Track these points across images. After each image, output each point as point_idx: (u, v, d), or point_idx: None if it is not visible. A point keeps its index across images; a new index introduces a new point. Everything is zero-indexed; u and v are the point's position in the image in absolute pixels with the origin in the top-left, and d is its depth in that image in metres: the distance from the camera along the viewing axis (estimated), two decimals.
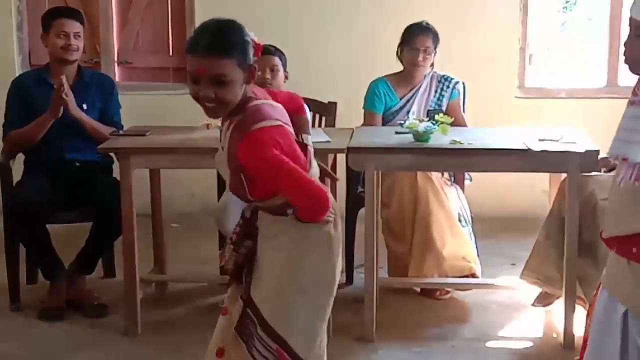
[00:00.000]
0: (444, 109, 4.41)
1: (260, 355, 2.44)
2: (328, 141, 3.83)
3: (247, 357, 2.46)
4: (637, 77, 2.20)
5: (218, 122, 3.81)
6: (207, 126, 3.89)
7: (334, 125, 4.50)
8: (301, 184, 2.33)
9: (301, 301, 2.46)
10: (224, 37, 2.34)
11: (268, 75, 4.24)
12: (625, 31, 5.60)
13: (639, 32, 2.15)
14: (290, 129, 2.42)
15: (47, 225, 4.05)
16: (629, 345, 2.23)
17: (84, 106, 4.15)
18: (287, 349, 2.44)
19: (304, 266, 2.45)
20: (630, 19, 2.18)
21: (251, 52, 2.41)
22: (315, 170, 2.54)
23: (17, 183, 4.20)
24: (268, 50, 4.28)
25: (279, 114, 2.40)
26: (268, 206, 2.44)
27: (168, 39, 5.86)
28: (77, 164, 4.20)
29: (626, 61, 2.22)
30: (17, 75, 4.88)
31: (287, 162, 2.28)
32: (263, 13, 5.52)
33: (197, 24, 5.78)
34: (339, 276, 2.56)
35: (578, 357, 2.46)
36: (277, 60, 4.25)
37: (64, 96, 3.97)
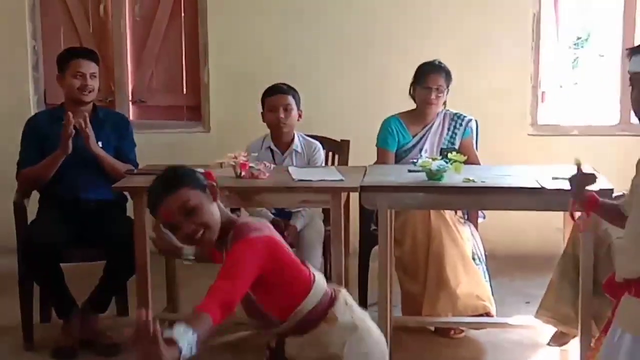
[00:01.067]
0: (456, 147, 4.41)
1: None
2: (341, 180, 3.83)
3: None
4: None
5: (231, 160, 3.86)
6: (221, 165, 3.90)
7: (347, 163, 4.51)
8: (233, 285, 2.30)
9: None
10: (173, 176, 2.46)
11: (282, 115, 4.25)
12: None
13: None
14: (280, 239, 2.47)
15: (61, 264, 4.05)
16: None
17: (100, 144, 4.17)
18: None
19: None
20: (632, 74, 2.27)
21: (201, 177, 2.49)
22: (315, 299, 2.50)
23: (32, 222, 4.21)
24: (281, 89, 4.30)
25: (267, 228, 2.46)
26: (295, 321, 2.44)
27: (182, 78, 5.90)
28: (92, 203, 4.21)
29: (637, 114, 2.31)
30: (32, 114, 4.93)
31: (249, 264, 2.30)
32: (276, 52, 5.58)
33: (211, 63, 5.90)
34: None
35: None
36: (290, 99, 4.27)
37: (87, 131, 4.02)
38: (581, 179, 2.67)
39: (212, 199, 2.45)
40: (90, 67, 4.19)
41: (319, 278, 2.51)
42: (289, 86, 4.32)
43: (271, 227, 2.49)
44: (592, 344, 2.46)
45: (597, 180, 2.70)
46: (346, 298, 2.54)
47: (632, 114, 6.01)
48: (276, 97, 4.29)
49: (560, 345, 4.04)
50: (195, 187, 2.42)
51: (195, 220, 2.38)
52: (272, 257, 2.36)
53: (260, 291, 2.38)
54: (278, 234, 2.50)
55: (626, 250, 2.34)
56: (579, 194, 2.66)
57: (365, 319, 2.55)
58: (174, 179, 2.44)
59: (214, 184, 2.50)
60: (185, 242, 2.44)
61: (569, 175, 3.74)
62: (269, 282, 2.37)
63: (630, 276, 2.28)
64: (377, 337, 2.55)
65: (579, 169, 2.70)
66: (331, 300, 2.49)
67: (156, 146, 5.17)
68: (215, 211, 2.43)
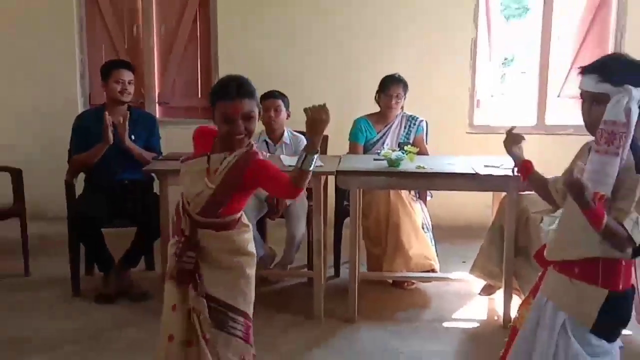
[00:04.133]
0: (411, 141, 4.42)
1: (237, 330, 2.45)
2: (321, 165, 3.82)
3: (227, 337, 2.45)
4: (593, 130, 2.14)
5: None
6: None
7: (326, 153, 4.50)
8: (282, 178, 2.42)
9: (246, 284, 2.49)
10: (249, 84, 2.45)
11: (273, 115, 4.25)
12: (551, 81, 5.60)
13: (593, 100, 2.13)
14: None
15: (102, 229, 4.04)
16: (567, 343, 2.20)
17: (132, 137, 4.14)
18: (247, 317, 2.48)
19: (242, 260, 2.48)
20: (583, 91, 2.17)
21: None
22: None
23: (79, 197, 4.19)
24: (273, 95, 4.29)
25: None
26: (222, 222, 2.45)
27: (197, 85, 5.86)
28: (126, 182, 4.19)
29: (586, 125, 2.20)
30: (79, 112, 4.88)
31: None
32: (272, 66, 5.55)
33: (221, 73, 5.83)
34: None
35: (507, 345, 2.42)
36: (280, 102, 4.27)
37: (121, 129, 4.00)
38: (512, 136, 2.65)
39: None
40: (128, 75, 4.16)
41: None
42: (280, 92, 4.31)
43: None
44: (521, 301, 2.41)
45: (524, 139, 2.66)
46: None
47: (547, 117, 6.05)
48: (269, 100, 4.28)
49: (489, 294, 4.08)
50: (258, 106, 2.47)
51: (248, 126, 2.41)
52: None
53: (239, 196, 2.46)
54: None
55: (557, 239, 2.28)
56: (510, 148, 2.63)
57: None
58: (251, 92, 2.45)
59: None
60: (226, 135, 2.42)
61: (497, 164, 3.78)
62: (248, 193, 2.50)
63: (557, 259, 2.25)
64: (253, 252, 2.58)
65: (511, 129, 2.70)
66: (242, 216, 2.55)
67: (177, 138, 5.09)
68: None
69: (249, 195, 2.53)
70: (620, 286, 2.15)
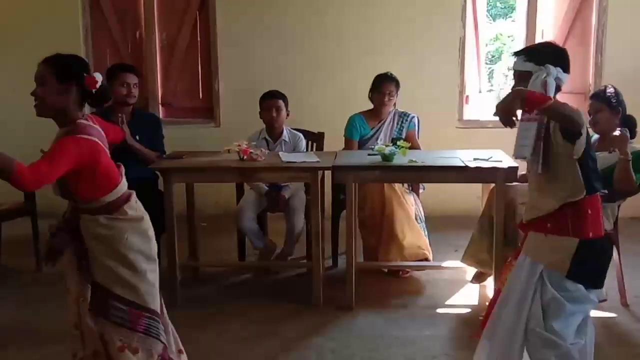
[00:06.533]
0: (403, 137, 4.42)
1: (117, 317, 2.43)
2: (318, 161, 3.84)
3: (105, 323, 2.43)
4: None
5: (236, 147, 3.85)
6: (228, 150, 3.89)
7: (322, 149, 4.51)
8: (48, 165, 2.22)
9: (131, 274, 2.43)
10: (280, 94, 2.58)
11: (274, 114, 4.25)
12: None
13: (519, 78, 2.39)
14: (104, 147, 2.40)
15: None
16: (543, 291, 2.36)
17: (137, 137, 4.14)
18: (134, 305, 2.44)
19: (121, 249, 2.43)
20: (514, 71, 2.42)
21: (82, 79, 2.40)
22: (123, 186, 2.49)
23: None
24: (274, 95, 4.29)
25: (97, 134, 2.39)
26: (89, 208, 2.41)
27: (199, 87, 5.85)
28: (131, 180, 4.17)
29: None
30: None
31: (62, 156, 2.22)
32: (270, 68, 5.56)
33: (220, 76, 5.86)
34: (152, 248, 2.52)
35: (490, 303, 2.57)
36: (280, 102, 4.26)
37: (124, 128, 3.97)
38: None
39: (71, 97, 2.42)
40: (133, 79, 4.16)
41: (123, 183, 2.48)
42: (280, 92, 4.31)
43: (102, 134, 2.42)
44: (507, 263, 2.58)
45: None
46: (136, 198, 2.52)
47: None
48: (270, 100, 4.28)
49: (480, 282, 4.10)
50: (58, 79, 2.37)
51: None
52: (90, 158, 2.31)
53: (74, 178, 2.33)
54: (105, 140, 2.42)
55: (529, 203, 2.47)
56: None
57: (145, 215, 2.53)
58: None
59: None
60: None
61: (486, 157, 3.79)
62: (82, 173, 2.32)
63: (531, 217, 2.43)
64: (149, 227, 2.53)
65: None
66: (126, 199, 2.47)
67: (179, 137, 5.13)
68: (54, 99, 2.39)
69: (85, 176, 2.33)
70: (590, 234, 2.32)
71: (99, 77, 2.44)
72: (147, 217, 2.55)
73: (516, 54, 2.44)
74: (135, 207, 2.51)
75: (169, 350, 2.58)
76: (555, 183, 2.34)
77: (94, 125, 2.42)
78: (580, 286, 2.34)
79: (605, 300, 2.98)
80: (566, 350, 2.33)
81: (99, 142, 2.36)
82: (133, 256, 2.44)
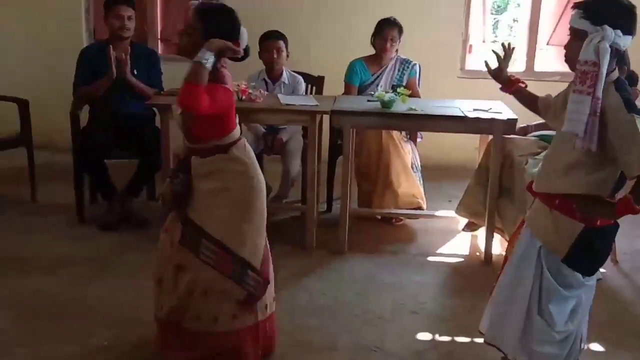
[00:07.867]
0: (404, 84, 4.36)
1: (206, 256, 2.43)
2: (317, 105, 3.79)
3: (194, 258, 2.43)
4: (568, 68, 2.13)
5: (235, 87, 3.78)
6: None
7: (321, 93, 4.45)
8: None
9: (231, 215, 2.44)
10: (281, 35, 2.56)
11: (275, 55, 4.19)
12: (541, 30, 5.51)
13: (574, 36, 2.10)
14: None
15: (105, 160, 4.02)
16: (541, 271, 2.23)
17: (135, 72, 4.08)
18: (225, 249, 2.43)
19: (230, 191, 2.43)
20: (570, 26, 2.13)
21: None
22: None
23: (84, 128, 4.14)
24: (275, 35, 4.21)
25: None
26: (201, 148, 2.43)
27: None
28: (128, 115, 4.14)
29: (565, 60, 2.15)
30: (84, 46, 4.79)
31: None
32: (269, 8, 5.43)
33: None
34: (262, 194, 2.54)
35: (500, 272, 2.45)
36: (281, 43, 4.19)
37: (123, 64, 3.93)
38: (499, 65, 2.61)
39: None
40: (128, 11, 4.06)
41: (238, 129, 2.51)
42: (280, 33, 4.23)
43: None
44: (502, 239, 2.45)
45: (514, 50, 2.69)
46: (247, 144, 2.52)
47: (536, 64, 5.96)
48: (271, 41, 4.20)
49: (471, 230, 4.12)
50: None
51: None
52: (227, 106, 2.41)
53: (203, 118, 2.37)
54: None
55: (543, 171, 2.27)
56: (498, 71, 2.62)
57: (255, 161, 2.53)
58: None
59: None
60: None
61: (485, 108, 3.73)
62: (213, 117, 2.38)
63: (541, 190, 2.24)
64: (259, 174, 2.53)
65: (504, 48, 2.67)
66: (236, 142, 2.47)
67: (178, 74, 5.00)
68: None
69: (217, 120, 2.40)
70: (599, 222, 2.13)
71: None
72: (255, 163, 2.52)
73: (574, 6, 2.11)
74: (244, 150, 2.49)
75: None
76: (590, 167, 2.08)
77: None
78: (577, 273, 2.20)
79: (600, 279, 2.79)
80: (551, 337, 2.25)
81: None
82: (231, 193, 2.43)
